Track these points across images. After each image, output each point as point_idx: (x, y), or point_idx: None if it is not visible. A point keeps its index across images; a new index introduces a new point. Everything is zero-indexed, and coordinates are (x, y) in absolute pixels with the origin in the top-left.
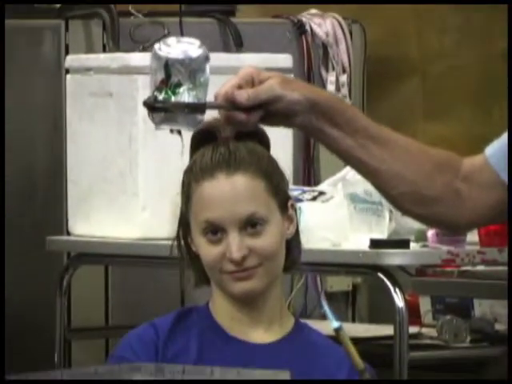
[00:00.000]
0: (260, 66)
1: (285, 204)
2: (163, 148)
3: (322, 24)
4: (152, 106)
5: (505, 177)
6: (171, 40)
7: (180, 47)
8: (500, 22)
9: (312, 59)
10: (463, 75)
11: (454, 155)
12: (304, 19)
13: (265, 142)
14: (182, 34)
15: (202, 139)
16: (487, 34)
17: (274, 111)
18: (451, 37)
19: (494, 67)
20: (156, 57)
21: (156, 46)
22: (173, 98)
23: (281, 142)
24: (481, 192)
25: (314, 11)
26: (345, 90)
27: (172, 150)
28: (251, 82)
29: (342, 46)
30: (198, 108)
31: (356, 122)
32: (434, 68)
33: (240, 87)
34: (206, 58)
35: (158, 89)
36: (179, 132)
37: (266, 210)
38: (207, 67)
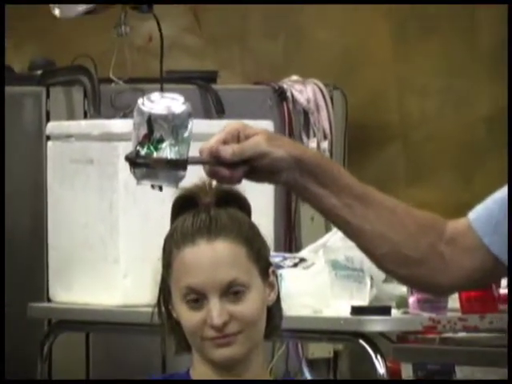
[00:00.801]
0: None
1: (266, 270)
2: (144, 214)
3: (303, 90)
4: (134, 161)
5: (488, 241)
6: (155, 95)
7: (163, 103)
8: (481, 87)
9: (293, 125)
10: (445, 141)
11: (438, 218)
12: (285, 86)
13: (246, 208)
14: None
15: (183, 205)
16: (468, 99)
17: (258, 167)
18: (432, 102)
19: (476, 133)
20: (139, 112)
21: (139, 101)
22: (155, 154)
23: (262, 209)
24: (464, 255)
25: (295, 78)
26: (326, 156)
27: (153, 216)
28: (237, 137)
29: (323, 113)
30: (180, 164)
31: (341, 181)
32: (416, 134)
33: (225, 142)
34: (189, 115)
35: (141, 144)
36: (160, 188)
37: (247, 276)
38: (190, 123)
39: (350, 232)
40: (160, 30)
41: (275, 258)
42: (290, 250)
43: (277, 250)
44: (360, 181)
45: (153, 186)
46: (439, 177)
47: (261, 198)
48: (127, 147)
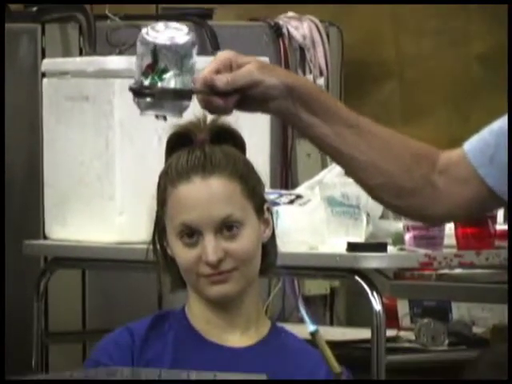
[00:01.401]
0: None
1: (261, 207)
2: (140, 152)
3: (299, 27)
4: (138, 92)
5: (483, 172)
6: (159, 25)
7: (168, 33)
8: (476, 25)
9: (289, 62)
10: (440, 78)
11: (432, 148)
12: (281, 22)
13: (240, 145)
14: None
15: (178, 142)
16: (463, 38)
17: (251, 96)
18: (428, 41)
19: (471, 71)
20: (143, 42)
21: (143, 30)
22: (159, 84)
23: (258, 146)
24: (456, 186)
25: (291, 14)
26: None
27: (149, 153)
28: (229, 67)
29: (320, 49)
30: (185, 94)
31: (333, 110)
32: (411, 71)
33: (218, 72)
34: (193, 44)
35: (144, 74)
36: (165, 118)
37: (241, 213)
38: (194, 53)
39: (343, 162)
40: None
41: (271, 194)
42: (286, 187)
43: (273, 186)
44: None
45: (157, 117)
46: (435, 114)
47: (257, 135)
48: (123, 84)
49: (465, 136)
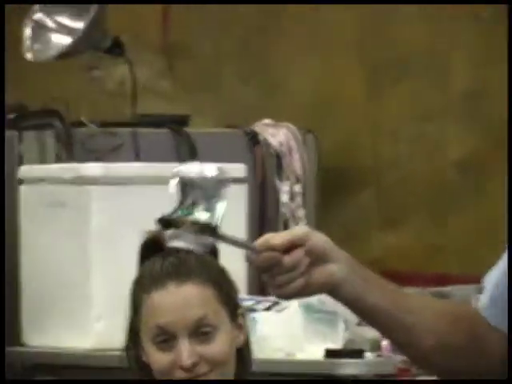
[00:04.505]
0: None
1: (235, 312)
2: (117, 258)
3: (276, 134)
4: (164, 223)
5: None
6: (193, 164)
7: (197, 168)
8: (452, 128)
9: (265, 169)
10: (417, 185)
11: (461, 304)
12: (257, 129)
13: (214, 251)
14: (136, 145)
15: (151, 248)
16: (440, 144)
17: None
18: (404, 146)
19: (448, 177)
20: (176, 176)
21: (177, 168)
22: (186, 217)
23: (234, 253)
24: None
25: (267, 121)
26: (299, 200)
27: (125, 259)
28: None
29: (296, 156)
30: (208, 229)
31: (378, 278)
32: (388, 177)
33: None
34: (222, 182)
35: (176, 207)
36: (188, 251)
37: (215, 317)
38: (223, 191)
39: (393, 327)
40: (132, 73)
41: (248, 301)
42: (263, 294)
43: (250, 293)
44: (332, 225)
45: (180, 249)
46: (412, 220)
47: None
48: (100, 191)
49: (442, 242)
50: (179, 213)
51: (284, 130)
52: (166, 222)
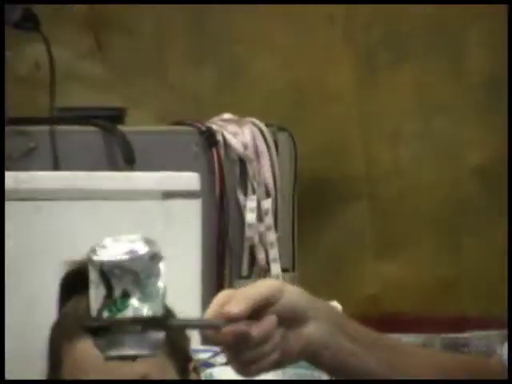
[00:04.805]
0: (157, 189)
1: (185, 366)
2: (28, 293)
3: (239, 133)
4: (93, 330)
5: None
6: (107, 240)
7: (118, 247)
8: (468, 129)
9: (225, 178)
10: (423, 199)
11: (480, 359)
12: (215, 127)
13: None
14: (55, 148)
15: (74, 285)
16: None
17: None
18: (406, 149)
19: (463, 189)
20: (91, 263)
21: (90, 249)
22: (119, 315)
23: (188, 289)
24: None
25: (227, 116)
26: (269, 219)
27: (39, 296)
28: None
29: (265, 162)
30: (154, 323)
31: (372, 335)
32: (385, 190)
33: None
34: (155, 257)
35: (103, 306)
36: (134, 358)
37: (160, 373)
38: (160, 268)
39: None
40: (50, 54)
41: (205, 353)
42: None
43: (206, 342)
44: (313, 253)
45: (123, 358)
46: (416, 246)
47: (185, 285)
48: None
49: (455, 276)
50: (108, 312)
51: (249, 128)
52: (94, 329)
